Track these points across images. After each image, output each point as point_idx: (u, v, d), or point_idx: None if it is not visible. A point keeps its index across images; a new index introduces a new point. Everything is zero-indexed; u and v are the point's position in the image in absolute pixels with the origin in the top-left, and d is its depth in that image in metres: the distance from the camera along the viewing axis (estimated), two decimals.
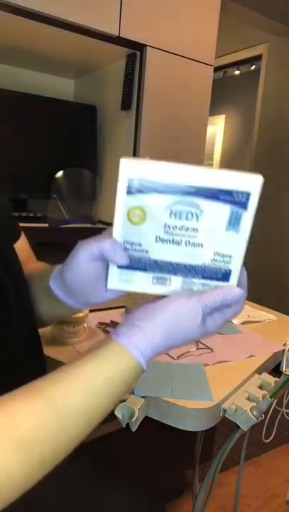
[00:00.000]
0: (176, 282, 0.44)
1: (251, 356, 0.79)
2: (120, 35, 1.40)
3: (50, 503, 0.55)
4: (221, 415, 0.63)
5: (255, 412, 0.62)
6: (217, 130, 4.28)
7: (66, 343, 0.77)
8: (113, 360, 0.40)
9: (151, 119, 1.55)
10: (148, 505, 0.64)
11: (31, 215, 1.57)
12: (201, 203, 0.39)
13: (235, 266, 0.42)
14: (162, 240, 0.41)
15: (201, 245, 0.41)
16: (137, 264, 0.43)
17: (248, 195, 0.38)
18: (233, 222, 0.40)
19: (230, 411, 0.62)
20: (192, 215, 0.40)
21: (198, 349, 0.79)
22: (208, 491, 0.85)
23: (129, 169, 0.39)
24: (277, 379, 0.71)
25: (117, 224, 0.41)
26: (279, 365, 0.82)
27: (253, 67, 3.14)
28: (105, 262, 0.44)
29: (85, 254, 0.44)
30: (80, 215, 1.55)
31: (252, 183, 0.38)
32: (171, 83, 1.57)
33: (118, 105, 1.58)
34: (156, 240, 0.41)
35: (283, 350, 0.84)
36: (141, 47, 1.48)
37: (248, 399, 0.65)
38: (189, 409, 0.59)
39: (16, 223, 0.65)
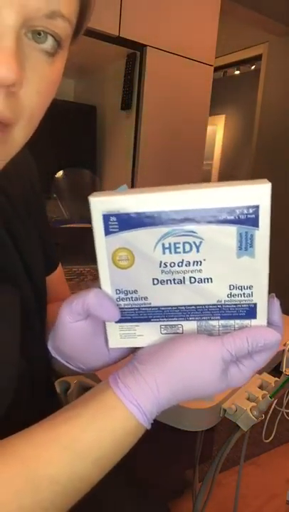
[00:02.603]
0: (190, 328, 0.36)
1: None
2: (120, 35, 1.40)
3: None
4: (221, 415, 0.63)
5: (255, 412, 0.62)
6: (217, 130, 4.28)
7: None
8: (104, 416, 0.32)
9: (151, 119, 1.55)
10: (151, 504, 0.64)
11: None
12: (197, 229, 0.32)
13: (260, 298, 0.34)
14: (161, 282, 0.34)
15: (210, 280, 0.34)
16: (138, 315, 0.36)
17: (256, 209, 0.31)
18: (245, 246, 0.32)
19: (230, 411, 0.62)
20: (190, 245, 0.33)
21: None
22: (208, 491, 0.85)
23: (102, 205, 0.32)
24: (277, 379, 0.71)
25: (102, 272, 0.35)
26: (279, 365, 0.82)
27: (253, 67, 3.14)
28: (95, 319, 0.37)
29: (69, 316, 0.36)
30: (80, 215, 1.55)
31: (258, 194, 0.31)
32: (171, 83, 1.57)
33: (118, 105, 1.58)
34: (153, 282, 0.34)
35: (283, 350, 0.84)
36: (141, 47, 1.48)
37: (248, 399, 0.65)
38: (189, 410, 0.59)
39: (54, 252, 0.59)
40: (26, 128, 0.35)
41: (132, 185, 1.57)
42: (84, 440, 0.32)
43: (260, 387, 0.70)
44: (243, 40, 2.82)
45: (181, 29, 1.54)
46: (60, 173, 1.56)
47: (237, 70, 3.32)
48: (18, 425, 0.34)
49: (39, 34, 0.32)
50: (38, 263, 0.49)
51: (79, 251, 1.70)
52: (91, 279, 1.44)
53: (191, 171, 1.72)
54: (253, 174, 2.83)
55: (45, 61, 0.33)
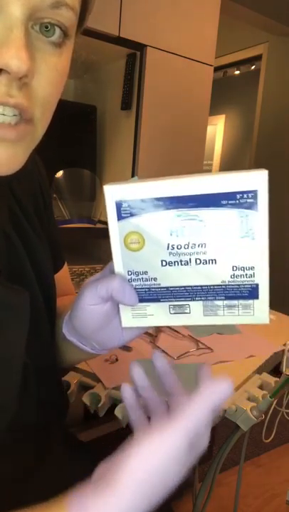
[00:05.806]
0: (196, 308, 0.38)
1: (251, 356, 0.79)
2: (120, 35, 1.40)
3: None
4: (221, 415, 0.63)
5: (255, 412, 0.62)
6: (217, 130, 4.28)
7: None
8: None
9: (151, 119, 1.55)
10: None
11: None
12: (201, 213, 0.35)
13: (262, 278, 0.36)
14: (169, 263, 0.37)
15: (214, 261, 0.36)
16: (148, 295, 0.39)
17: (254, 193, 0.33)
18: (246, 228, 0.35)
19: (230, 411, 0.62)
20: (195, 229, 0.35)
21: (198, 349, 0.79)
22: (208, 491, 0.85)
23: (115, 193, 0.35)
24: (277, 379, 0.71)
25: (116, 255, 0.37)
26: (279, 365, 0.82)
27: (253, 67, 3.14)
28: (115, 302, 0.39)
29: (92, 299, 0.39)
30: (80, 215, 1.55)
31: (256, 180, 0.33)
32: (171, 83, 1.57)
33: (118, 105, 1.58)
34: (162, 264, 0.37)
35: (283, 350, 0.84)
36: (141, 47, 1.48)
37: (248, 399, 0.65)
38: None
39: (61, 251, 0.60)
40: (42, 120, 0.37)
41: None
42: None
43: (260, 387, 0.70)
44: (243, 40, 2.82)
45: (181, 29, 1.54)
46: (60, 173, 1.56)
47: (237, 70, 3.32)
48: (28, 425, 0.34)
49: (46, 27, 0.33)
50: (47, 264, 0.50)
51: (79, 251, 1.70)
52: None
53: (191, 170, 1.71)
54: None
55: (54, 53, 0.35)
